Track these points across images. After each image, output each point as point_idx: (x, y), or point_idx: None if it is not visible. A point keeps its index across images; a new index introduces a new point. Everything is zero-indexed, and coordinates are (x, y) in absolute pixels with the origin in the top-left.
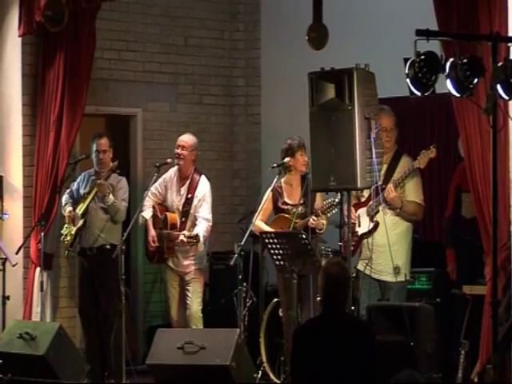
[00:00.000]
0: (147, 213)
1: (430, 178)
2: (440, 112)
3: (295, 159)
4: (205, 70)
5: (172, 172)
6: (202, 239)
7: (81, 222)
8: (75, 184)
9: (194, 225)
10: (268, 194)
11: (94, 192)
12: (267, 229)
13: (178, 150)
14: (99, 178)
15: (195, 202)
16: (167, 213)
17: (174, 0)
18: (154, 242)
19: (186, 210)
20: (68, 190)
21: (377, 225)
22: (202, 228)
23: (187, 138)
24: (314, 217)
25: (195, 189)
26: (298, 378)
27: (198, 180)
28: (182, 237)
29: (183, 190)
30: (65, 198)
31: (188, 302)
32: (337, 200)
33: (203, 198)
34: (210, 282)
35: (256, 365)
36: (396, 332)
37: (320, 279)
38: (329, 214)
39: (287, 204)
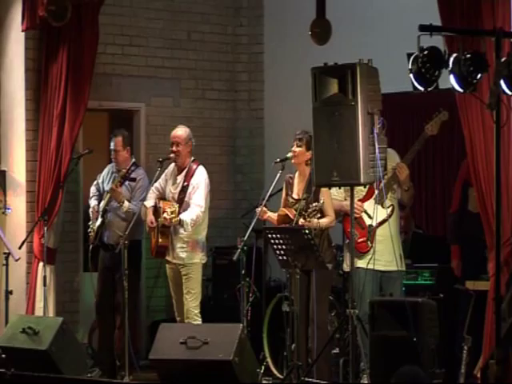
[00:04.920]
0: (148, 202)
1: (433, 174)
2: (443, 107)
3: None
4: (208, 65)
5: (173, 165)
6: (189, 222)
7: (99, 221)
8: (101, 177)
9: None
10: (283, 185)
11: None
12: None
13: (174, 148)
14: (117, 180)
15: (190, 189)
16: (162, 200)
17: None
18: (151, 222)
19: (181, 198)
20: (95, 182)
21: (393, 208)
22: (191, 212)
23: (180, 132)
24: (302, 220)
25: (191, 177)
26: None
27: (195, 169)
28: (164, 214)
29: (180, 179)
30: (92, 189)
31: (184, 298)
32: (320, 204)
33: (197, 185)
34: (213, 277)
35: (259, 360)
36: (399, 327)
37: None
38: (315, 218)
39: (293, 198)
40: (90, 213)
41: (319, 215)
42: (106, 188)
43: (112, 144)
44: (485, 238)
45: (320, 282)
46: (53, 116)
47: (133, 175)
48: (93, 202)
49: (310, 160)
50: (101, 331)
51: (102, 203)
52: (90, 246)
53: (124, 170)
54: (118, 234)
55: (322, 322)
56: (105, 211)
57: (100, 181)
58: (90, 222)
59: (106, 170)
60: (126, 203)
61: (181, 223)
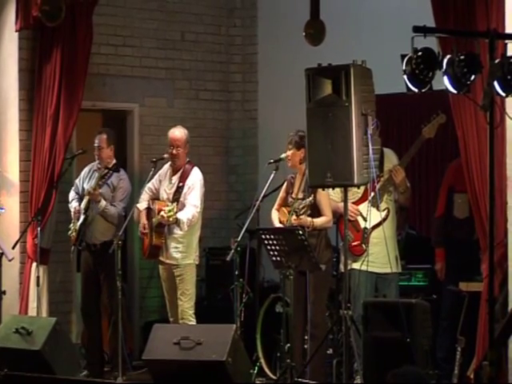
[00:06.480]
0: (141, 205)
1: (426, 175)
2: (437, 109)
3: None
4: (201, 66)
5: (166, 166)
6: (186, 221)
7: (82, 219)
8: (80, 178)
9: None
10: (284, 184)
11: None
12: (276, 223)
13: (174, 150)
14: (96, 183)
15: (185, 189)
16: (156, 201)
17: None
18: (144, 227)
19: (176, 198)
20: (73, 186)
21: (389, 211)
22: (187, 212)
23: (179, 135)
24: (294, 217)
25: (186, 178)
26: None
27: (190, 170)
28: (162, 212)
29: (175, 179)
30: (71, 194)
31: (178, 299)
32: (309, 200)
33: (193, 186)
34: (207, 278)
35: (252, 360)
36: (392, 328)
37: None
38: (305, 215)
39: (292, 198)
40: (72, 214)
41: (309, 212)
42: (86, 186)
43: (96, 141)
44: (469, 241)
45: (317, 283)
46: (46, 116)
47: (114, 177)
48: (74, 204)
49: (304, 158)
50: (88, 333)
51: (84, 201)
52: (72, 248)
53: (108, 167)
54: (101, 232)
55: (319, 322)
56: (87, 209)
57: (79, 182)
58: (71, 224)
59: (85, 170)
60: (103, 202)
61: (177, 222)
